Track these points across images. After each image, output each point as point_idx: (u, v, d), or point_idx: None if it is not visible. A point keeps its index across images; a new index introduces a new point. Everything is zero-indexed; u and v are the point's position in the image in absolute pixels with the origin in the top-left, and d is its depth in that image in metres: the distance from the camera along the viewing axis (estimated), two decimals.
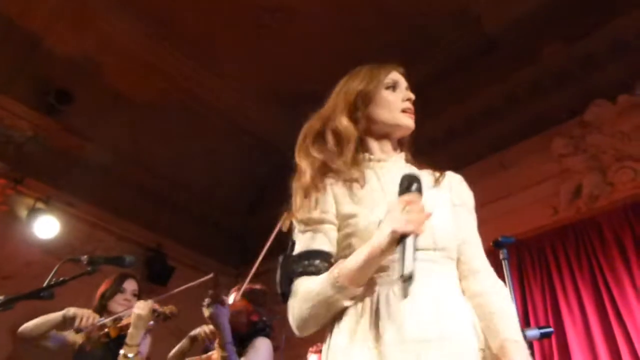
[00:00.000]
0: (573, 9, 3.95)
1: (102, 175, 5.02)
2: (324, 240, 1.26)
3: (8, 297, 1.97)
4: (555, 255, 3.73)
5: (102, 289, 2.77)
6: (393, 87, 1.38)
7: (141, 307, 2.45)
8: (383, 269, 1.18)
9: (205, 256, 5.53)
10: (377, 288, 1.19)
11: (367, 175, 1.31)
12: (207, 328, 2.58)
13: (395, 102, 1.36)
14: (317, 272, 1.22)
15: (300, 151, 1.39)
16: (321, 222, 1.27)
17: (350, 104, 1.36)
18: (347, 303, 1.19)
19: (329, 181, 1.31)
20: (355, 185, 1.29)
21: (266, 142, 5.48)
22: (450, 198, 1.34)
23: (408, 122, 1.35)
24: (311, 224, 1.27)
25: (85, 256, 2.18)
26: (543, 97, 4.12)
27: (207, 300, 2.45)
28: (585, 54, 3.95)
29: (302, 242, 1.28)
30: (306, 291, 1.21)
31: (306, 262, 1.24)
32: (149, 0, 4.31)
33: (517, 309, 3.67)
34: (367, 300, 1.19)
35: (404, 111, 1.35)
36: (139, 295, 2.78)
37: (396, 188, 1.17)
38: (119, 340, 2.47)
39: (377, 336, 1.13)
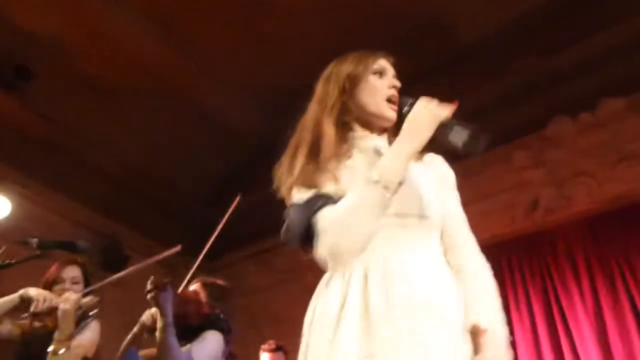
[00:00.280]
0: (545, 25, 4.06)
1: (61, 157, 4.87)
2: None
3: None
4: (509, 264, 3.82)
5: (44, 277, 2.63)
6: (380, 73, 1.39)
7: (64, 301, 2.30)
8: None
9: (164, 246, 5.41)
10: (361, 262, 1.19)
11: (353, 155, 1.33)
12: (154, 311, 2.52)
13: (381, 89, 1.37)
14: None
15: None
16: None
17: (340, 87, 1.37)
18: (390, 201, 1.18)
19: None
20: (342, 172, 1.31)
21: (233, 133, 5.42)
22: (432, 175, 1.37)
23: (390, 114, 1.35)
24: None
25: (35, 239, 2.07)
26: (509, 110, 4.21)
27: (149, 285, 2.41)
28: (552, 70, 4.06)
29: (307, 194, 1.25)
30: (347, 208, 1.17)
31: (323, 199, 1.21)
32: None
33: None
34: (354, 273, 1.19)
35: (389, 100, 1.36)
36: (90, 282, 2.68)
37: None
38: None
39: (366, 306, 1.13)
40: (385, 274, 1.16)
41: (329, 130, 1.32)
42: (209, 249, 2.61)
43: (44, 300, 2.30)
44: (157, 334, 2.40)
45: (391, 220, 1.20)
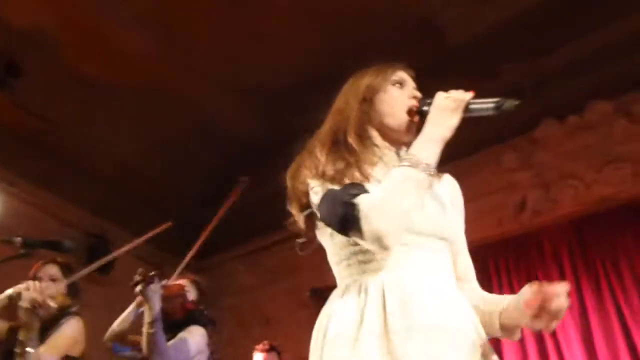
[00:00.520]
0: (534, 28, 4.09)
1: (51, 155, 4.83)
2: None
3: None
4: (497, 265, 3.85)
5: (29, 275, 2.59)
6: (400, 84, 1.40)
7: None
8: (369, 259, 1.20)
9: (152, 246, 5.42)
10: (377, 276, 1.18)
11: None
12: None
13: (401, 99, 1.36)
14: None
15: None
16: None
17: (359, 98, 1.37)
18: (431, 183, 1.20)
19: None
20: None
21: (227, 134, 5.41)
22: (448, 196, 1.38)
23: (409, 124, 1.34)
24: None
25: (19, 238, 2.03)
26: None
27: (136, 277, 2.41)
28: (541, 73, 4.09)
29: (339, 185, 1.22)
30: (387, 189, 1.15)
31: (359, 187, 1.19)
32: None
33: None
34: (371, 290, 1.17)
35: (409, 112, 1.35)
36: (75, 281, 2.66)
37: None
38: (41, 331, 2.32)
39: (385, 325, 1.11)
40: (403, 294, 1.15)
41: (351, 139, 1.32)
42: (199, 245, 2.60)
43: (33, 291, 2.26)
44: (144, 328, 2.39)
45: (411, 239, 1.20)
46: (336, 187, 1.20)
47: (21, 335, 2.20)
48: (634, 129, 3.80)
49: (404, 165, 1.18)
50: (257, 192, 5.88)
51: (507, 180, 4.05)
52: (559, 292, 1.13)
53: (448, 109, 1.24)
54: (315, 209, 1.26)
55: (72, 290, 2.62)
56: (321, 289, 4.89)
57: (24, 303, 2.23)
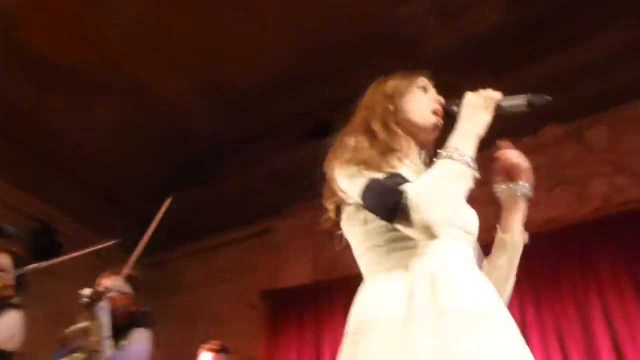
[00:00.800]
0: (498, 49, 4.21)
1: None
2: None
3: None
4: None
5: None
6: (424, 88, 1.46)
7: None
8: (411, 245, 1.21)
9: (101, 236, 5.24)
10: (421, 260, 1.20)
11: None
12: None
13: (426, 101, 1.43)
14: None
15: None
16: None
17: (387, 96, 1.42)
18: (477, 176, 1.23)
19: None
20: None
21: (187, 128, 5.33)
22: None
23: (434, 123, 1.40)
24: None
25: None
26: None
27: (85, 295, 2.33)
28: (507, 93, 4.20)
29: (381, 173, 1.23)
30: (435, 178, 1.18)
31: (401, 177, 1.21)
32: None
33: None
34: (417, 271, 1.19)
35: (434, 112, 1.41)
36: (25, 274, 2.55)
37: None
38: None
39: (435, 305, 1.12)
40: (450, 278, 1.18)
41: (383, 132, 1.35)
42: (143, 249, 2.53)
43: None
44: (91, 345, 2.32)
45: (449, 230, 1.22)
46: (378, 175, 1.21)
47: None
48: (583, 154, 3.96)
49: (448, 157, 1.21)
50: (212, 191, 5.83)
51: None
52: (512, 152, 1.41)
53: (481, 107, 1.29)
54: (353, 196, 1.26)
55: (20, 283, 2.52)
56: (272, 292, 4.87)
57: None
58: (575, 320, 3.44)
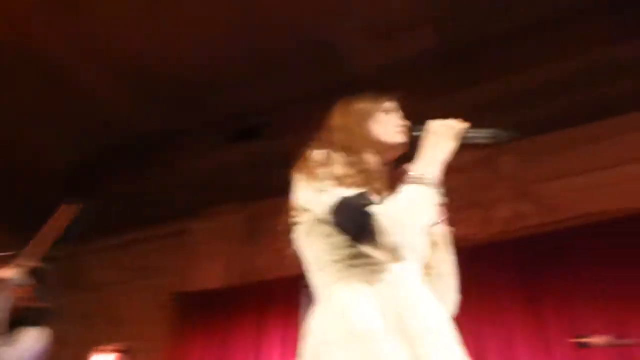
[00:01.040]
0: (432, 70, 4.39)
1: None
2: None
3: None
4: None
5: None
6: (390, 112, 1.51)
7: None
8: (371, 262, 1.23)
9: (6, 228, 4.89)
10: (383, 276, 1.23)
11: None
12: None
13: (392, 123, 1.48)
14: None
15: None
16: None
17: (354, 119, 1.46)
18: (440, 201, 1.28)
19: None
20: None
21: (102, 119, 5.11)
22: None
23: (401, 140, 1.44)
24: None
25: None
26: None
27: None
28: (426, 116, 4.37)
29: (351, 190, 1.25)
30: (406, 202, 1.21)
31: (370, 198, 1.22)
32: None
33: None
34: (381, 287, 1.22)
35: (400, 133, 1.45)
36: None
37: None
38: None
39: (402, 323, 1.17)
40: (411, 295, 1.23)
41: (351, 152, 1.37)
42: (48, 242, 2.40)
43: None
44: None
45: (410, 254, 1.26)
46: (347, 194, 1.23)
47: None
48: (493, 178, 4.21)
49: (417, 182, 1.25)
50: (128, 186, 5.61)
51: None
52: None
53: (446, 135, 1.34)
54: (318, 210, 1.27)
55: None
56: (183, 294, 4.76)
57: None
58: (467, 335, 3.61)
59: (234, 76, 4.78)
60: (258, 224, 4.96)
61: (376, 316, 1.17)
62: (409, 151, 1.41)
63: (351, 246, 1.24)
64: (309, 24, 4.42)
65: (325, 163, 1.31)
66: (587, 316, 3.34)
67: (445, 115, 1.42)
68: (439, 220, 1.42)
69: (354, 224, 1.19)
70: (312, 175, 1.30)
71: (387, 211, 1.18)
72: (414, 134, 1.40)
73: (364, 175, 1.31)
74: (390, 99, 1.53)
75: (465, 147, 1.36)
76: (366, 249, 1.20)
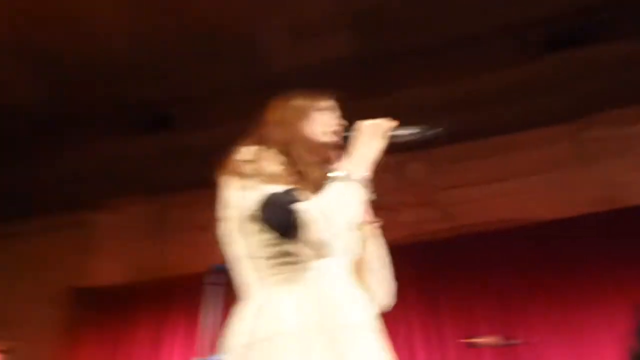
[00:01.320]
0: (349, 74, 4.46)
1: None
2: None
3: None
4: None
5: None
6: (326, 111, 1.51)
7: None
8: (299, 260, 1.24)
9: None
10: (308, 274, 1.23)
11: None
12: None
13: (328, 123, 1.47)
14: None
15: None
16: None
17: (292, 116, 1.45)
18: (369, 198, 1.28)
19: None
20: None
21: (5, 102, 4.72)
22: None
23: (335, 140, 1.44)
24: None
25: None
26: None
27: None
28: (347, 119, 4.45)
29: (280, 187, 1.25)
30: (333, 199, 1.21)
31: (298, 195, 1.22)
32: None
33: (218, 335, 3.80)
34: (303, 285, 1.22)
35: (335, 132, 1.45)
36: None
37: None
38: None
39: (323, 320, 1.17)
40: (334, 293, 1.23)
41: (285, 149, 1.36)
42: None
43: None
44: None
45: (339, 249, 1.27)
46: (274, 190, 1.23)
47: None
48: (402, 183, 4.37)
49: (346, 179, 1.26)
50: (25, 171, 5.21)
51: None
52: None
53: (375, 134, 1.35)
54: (248, 207, 1.25)
55: None
56: (79, 290, 4.48)
57: None
58: None
59: (149, 64, 4.59)
60: (164, 219, 4.80)
61: (294, 320, 1.18)
62: (341, 150, 1.43)
63: (278, 244, 1.24)
64: (231, 17, 4.34)
65: (256, 159, 1.31)
66: (480, 318, 3.55)
67: (357, 119, 1.44)
68: (368, 217, 1.45)
69: (281, 220, 1.20)
70: (242, 171, 1.30)
71: (313, 208, 1.19)
72: (346, 134, 1.42)
73: (296, 174, 1.31)
74: (327, 98, 1.54)
75: (395, 145, 1.39)
76: (293, 246, 1.21)
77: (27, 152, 5.10)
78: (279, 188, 1.24)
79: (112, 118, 5.12)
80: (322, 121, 1.48)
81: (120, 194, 4.94)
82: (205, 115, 4.89)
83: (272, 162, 1.31)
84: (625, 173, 4.02)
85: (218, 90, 4.73)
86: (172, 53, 4.55)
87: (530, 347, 3.30)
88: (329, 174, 1.35)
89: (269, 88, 1.55)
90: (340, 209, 1.22)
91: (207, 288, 2.52)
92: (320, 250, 1.20)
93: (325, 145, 1.45)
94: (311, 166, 1.40)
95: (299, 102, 1.51)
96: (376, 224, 1.48)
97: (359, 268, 1.41)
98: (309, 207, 1.19)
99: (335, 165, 1.38)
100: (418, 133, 1.39)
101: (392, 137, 1.38)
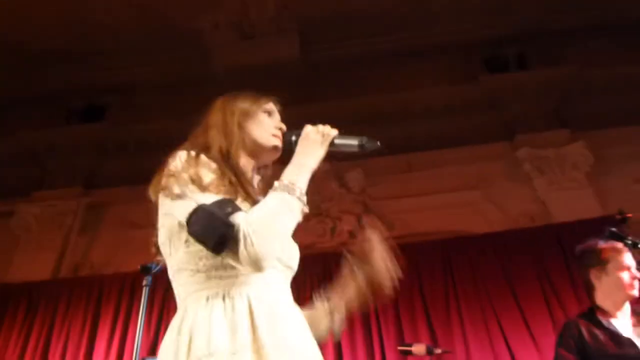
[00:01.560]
0: (290, 79, 4.47)
1: None
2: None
3: None
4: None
5: None
6: (269, 113, 1.47)
7: None
8: (232, 274, 1.20)
9: None
10: (241, 290, 1.20)
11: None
12: None
13: (270, 126, 1.44)
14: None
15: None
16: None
17: (234, 118, 1.41)
18: (306, 211, 1.24)
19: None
20: None
21: None
22: None
23: (277, 144, 1.42)
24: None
25: None
26: None
27: None
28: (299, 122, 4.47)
29: (213, 197, 1.20)
30: (270, 212, 1.18)
31: (233, 205, 1.18)
32: None
33: (148, 337, 3.70)
34: (237, 301, 1.18)
35: (275, 136, 1.43)
36: None
37: None
38: None
39: (255, 339, 1.13)
40: (269, 309, 1.19)
41: (224, 153, 1.34)
42: None
43: None
44: None
45: (276, 263, 1.25)
46: (207, 200, 1.18)
47: None
48: (341, 192, 4.42)
49: (284, 191, 1.22)
50: None
51: None
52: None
53: (317, 142, 1.33)
54: (177, 216, 1.20)
55: None
56: (3, 285, 4.23)
57: None
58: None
59: (87, 52, 4.44)
60: (98, 214, 4.63)
61: (223, 338, 1.13)
62: (283, 156, 1.41)
63: (211, 257, 1.19)
64: (177, 11, 4.27)
65: (192, 165, 1.25)
66: (416, 327, 3.63)
67: (293, 126, 1.44)
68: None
69: (212, 234, 1.14)
70: (175, 178, 1.24)
71: (250, 221, 1.15)
72: (290, 137, 1.40)
73: (234, 180, 1.26)
74: (270, 100, 1.51)
75: (334, 153, 1.38)
76: (227, 259, 1.17)
77: None
78: (212, 198, 1.19)
79: (44, 106, 4.91)
80: (265, 124, 1.45)
81: (49, 186, 4.73)
82: (143, 109, 4.78)
83: (209, 169, 1.26)
84: (554, 191, 4.25)
85: (159, 84, 4.63)
86: (114, 43, 4.42)
87: (458, 356, 3.42)
88: (268, 182, 1.34)
89: (211, 85, 1.53)
90: (278, 222, 1.19)
91: (143, 288, 2.45)
92: (255, 265, 1.15)
93: (265, 150, 1.43)
94: (250, 172, 1.39)
95: (242, 103, 1.47)
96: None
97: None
98: (244, 220, 1.15)
99: (274, 171, 1.37)
100: (357, 145, 1.37)
101: (333, 145, 1.36)
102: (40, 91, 4.81)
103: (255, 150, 1.41)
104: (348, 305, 1.46)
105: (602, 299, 2.15)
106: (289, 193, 1.22)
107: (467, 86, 4.76)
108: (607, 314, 2.12)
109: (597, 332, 2.06)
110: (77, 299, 4.01)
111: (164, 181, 1.26)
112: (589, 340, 2.04)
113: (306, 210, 1.25)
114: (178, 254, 1.24)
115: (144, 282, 2.44)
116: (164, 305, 3.81)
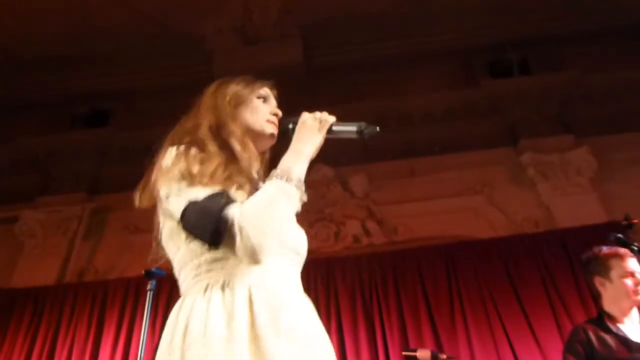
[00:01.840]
0: (293, 84, 4.47)
1: None
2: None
3: None
4: None
5: None
6: (264, 98, 1.45)
7: None
8: (233, 264, 1.18)
9: None
10: (242, 277, 1.18)
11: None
12: None
13: (265, 111, 1.41)
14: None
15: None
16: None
17: (228, 102, 1.39)
18: (304, 199, 1.21)
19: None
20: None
21: None
22: None
23: (272, 131, 1.40)
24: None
25: None
26: None
27: None
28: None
29: (205, 191, 1.18)
30: (266, 202, 1.16)
31: (226, 197, 1.17)
32: None
33: (152, 341, 3.69)
34: (236, 288, 1.16)
35: (271, 122, 1.40)
36: None
37: None
38: None
39: (253, 323, 1.12)
40: (268, 295, 1.16)
41: (219, 140, 1.31)
42: None
43: None
44: None
45: (280, 250, 1.23)
46: (199, 195, 1.17)
47: None
48: (345, 196, 4.41)
49: (278, 180, 1.20)
50: None
51: None
52: None
53: (315, 129, 1.31)
54: (175, 213, 1.20)
55: None
56: (3, 291, 4.24)
57: None
58: None
59: (84, 59, 4.47)
60: (102, 219, 4.64)
61: (221, 325, 1.12)
62: (279, 142, 1.38)
63: (211, 250, 1.19)
64: (180, 16, 4.30)
65: (183, 160, 1.24)
66: (421, 332, 3.62)
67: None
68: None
69: (206, 229, 1.14)
70: (168, 175, 1.23)
71: (245, 212, 1.14)
72: (287, 125, 1.37)
73: (227, 170, 1.24)
74: (267, 85, 1.49)
75: (332, 141, 1.36)
76: (225, 252, 1.16)
77: None
78: (204, 192, 1.18)
79: (49, 112, 4.93)
80: (260, 110, 1.42)
81: (54, 192, 4.74)
82: (147, 114, 4.80)
83: (201, 161, 1.24)
84: (558, 196, 4.24)
85: (162, 90, 4.65)
86: (118, 48, 4.44)
87: None
88: (264, 170, 1.33)
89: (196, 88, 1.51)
90: (273, 212, 1.16)
91: (147, 292, 2.46)
92: (252, 257, 1.14)
93: (260, 136, 1.40)
94: (246, 160, 1.34)
95: (237, 87, 1.44)
96: None
97: None
98: (239, 213, 1.15)
99: (270, 157, 1.35)
100: (356, 132, 1.33)
101: (331, 132, 1.34)
102: (44, 97, 4.84)
103: (250, 136, 1.38)
104: None
105: (608, 305, 2.15)
106: (286, 181, 1.20)
107: (469, 91, 4.77)
108: (615, 320, 2.12)
109: (606, 337, 2.06)
110: (82, 303, 4.01)
111: (160, 179, 1.25)
112: (597, 346, 2.04)
113: (304, 198, 1.23)
114: (180, 251, 1.24)
115: (148, 287, 2.45)
116: (168, 309, 3.81)
